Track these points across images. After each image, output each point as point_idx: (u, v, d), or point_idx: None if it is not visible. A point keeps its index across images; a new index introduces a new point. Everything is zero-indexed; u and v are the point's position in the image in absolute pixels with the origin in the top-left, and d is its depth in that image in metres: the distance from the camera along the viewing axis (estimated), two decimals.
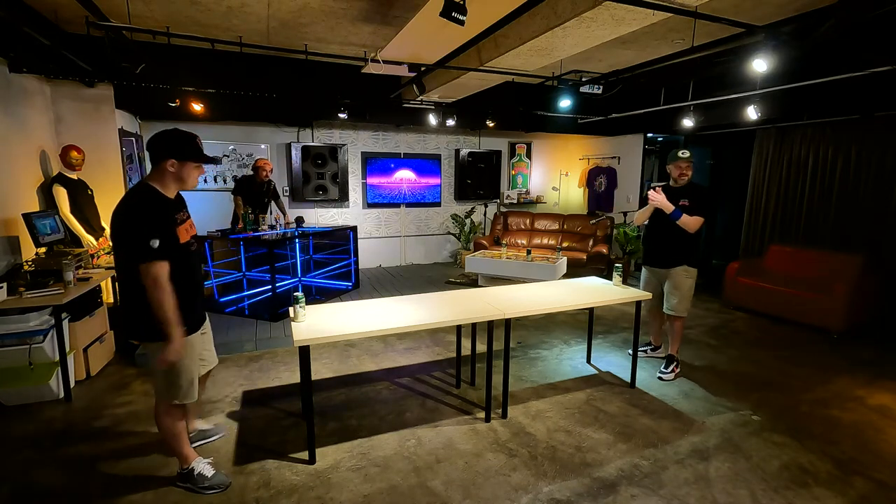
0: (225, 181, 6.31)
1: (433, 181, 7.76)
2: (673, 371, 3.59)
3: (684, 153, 3.48)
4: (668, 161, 3.60)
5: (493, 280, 5.43)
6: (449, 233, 7.95)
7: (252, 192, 5.36)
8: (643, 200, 7.10)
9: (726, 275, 5.45)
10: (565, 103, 5.20)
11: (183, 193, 2.25)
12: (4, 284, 2.98)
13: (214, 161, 2.31)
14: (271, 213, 5.65)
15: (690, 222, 3.38)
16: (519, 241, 7.28)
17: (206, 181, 6.20)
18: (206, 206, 6.18)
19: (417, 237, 7.84)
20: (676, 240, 3.47)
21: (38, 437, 2.74)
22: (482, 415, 2.99)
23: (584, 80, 5.00)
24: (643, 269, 3.80)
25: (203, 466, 2.32)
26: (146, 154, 2.12)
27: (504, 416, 2.99)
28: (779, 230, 5.93)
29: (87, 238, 4.04)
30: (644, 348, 3.98)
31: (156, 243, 1.93)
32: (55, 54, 3.66)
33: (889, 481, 2.40)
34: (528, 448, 2.66)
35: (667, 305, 3.58)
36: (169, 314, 1.99)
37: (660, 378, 3.57)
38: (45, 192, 4.07)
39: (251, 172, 5.58)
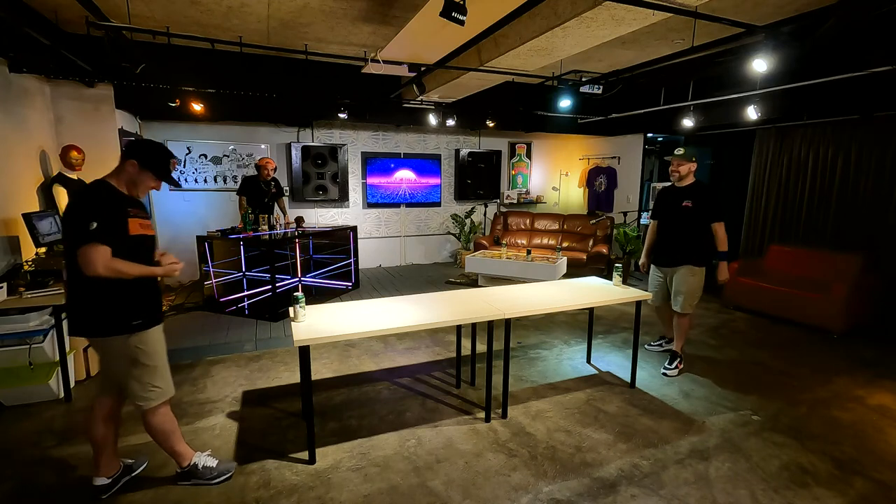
0: (225, 181, 6.31)
1: (433, 181, 7.76)
2: (677, 367, 3.65)
3: (678, 150, 3.52)
4: None
5: (493, 280, 5.43)
6: (449, 233, 7.95)
7: (256, 191, 5.36)
8: (643, 201, 7.16)
9: None
10: (565, 103, 5.20)
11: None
12: (4, 284, 2.98)
13: (173, 182, 2.31)
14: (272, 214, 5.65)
15: (720, 239, 3.46)
16: (519, 241, 7.28)
17: (205, 181, 6.20)
18: (207, 206, 6.18)
19: (417, 237, 7.84)
20: (683, 240, 3.55)
21: (38, 437, 2.74)
22: (482, 415, 2.99)
23: (584, 80, 5.00)
24: (651, 267, 3.85)
25: (205, 459, 2.34)
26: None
27: (504, 416, 2.99)
28: (779, 230, 5.93)
29: None
30: (659, 341, 4.12)
31: (93, 225, 1.89)
32: (55, 54, 3.66)
33: (889, 481, 2.40)
34: (528, 448, 2.66)
35: (674, 303, 3.64)
36: (139, 270, 2.00)
37: (664, 374, 3.62)
38: (45, 192, 4.07)
39: (254, 172, 5.58)
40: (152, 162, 2.11)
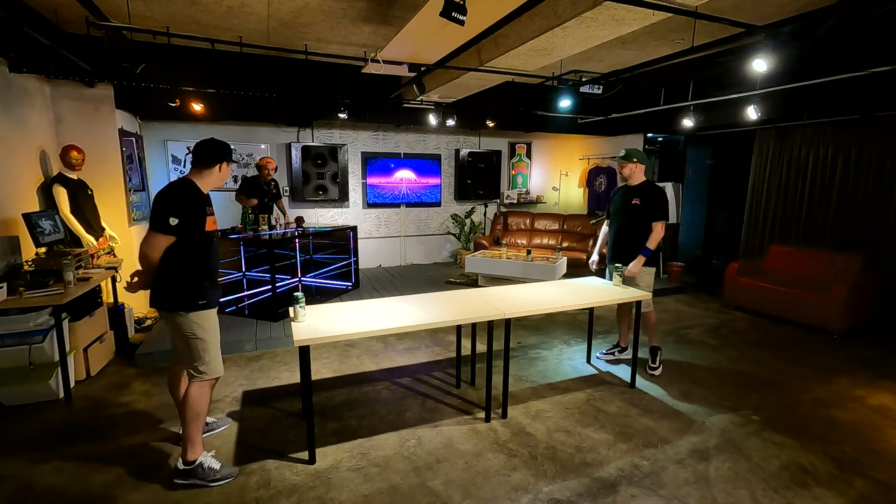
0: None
1: (433, 181, 7.76)
2: (659, 362, 3.68)
3: (621, 153, 3.65)
4: None
5: (493, 280, 5.43)
6: (449, 233, 7.95)
7: (257, 191, 5.35)
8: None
9: (726, 275, 5.45)
10: (565, 103, 5.19)
11: None
12: (4, 284, 2.98)
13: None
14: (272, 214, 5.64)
15: (654, 235, 3.50)
16: (519, 241, 7.28)
17: None
18: None
19: (417, 237, 7.84)
20: (632, 238, 3.61)
21: (38, 437, 2.74)
22: (482, 415, 2.99)
23: (584, 80, 5.00)
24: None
25: (211, 460, 2.38)
26: (189, 156, 2.47)
27: (504, 416, 2.99)
28: (779, 230, 5.93)
29: (87, 238, 4.03)
30: (612, 350, 3.97)
31: (174, 221, 2.18)
32: (55, 54, 3.66)
33: (889, 481, 2.40)
34: (528, 448, 2.66)
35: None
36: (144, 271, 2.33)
37: (650, 373, 3.64)
38: (45, 192, 4.07)
39: (255, 172, 5.57)
40: (231, 155, 2.46)
